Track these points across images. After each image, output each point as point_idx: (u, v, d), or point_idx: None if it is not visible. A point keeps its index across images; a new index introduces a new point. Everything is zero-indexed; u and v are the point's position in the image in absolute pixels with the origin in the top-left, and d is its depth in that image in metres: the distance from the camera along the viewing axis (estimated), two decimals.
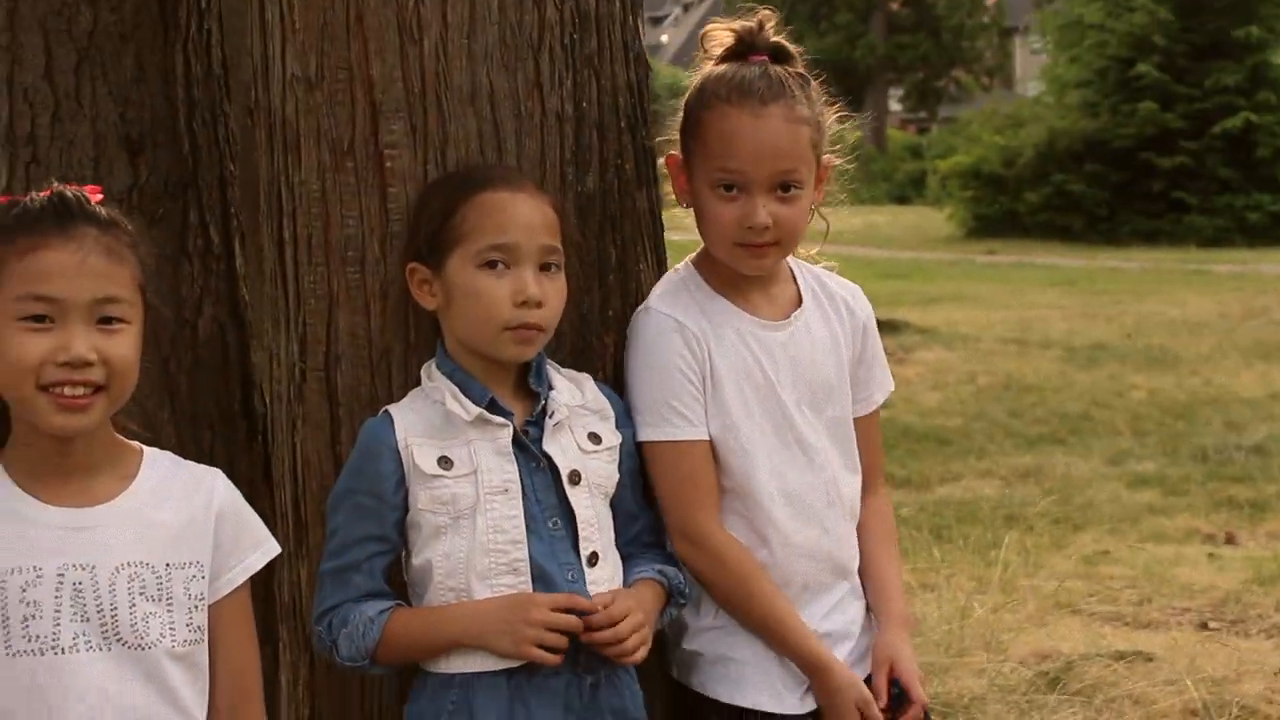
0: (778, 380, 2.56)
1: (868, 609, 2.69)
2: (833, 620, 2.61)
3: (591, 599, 2.34)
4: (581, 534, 2.38)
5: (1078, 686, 4.87)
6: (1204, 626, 5.82)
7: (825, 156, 2.61)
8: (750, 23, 2.58)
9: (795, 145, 2.51)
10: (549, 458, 2.38)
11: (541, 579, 2.35)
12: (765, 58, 2.56)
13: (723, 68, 2.56)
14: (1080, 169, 29.32)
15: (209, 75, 3.10)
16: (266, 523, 2.35)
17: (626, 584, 2.43)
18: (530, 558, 2.34)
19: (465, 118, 2.52)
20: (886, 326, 13.82)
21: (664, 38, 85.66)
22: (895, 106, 60.48)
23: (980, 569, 6.61)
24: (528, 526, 2.35)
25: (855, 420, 2.70)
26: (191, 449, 2.41)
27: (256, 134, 2.69)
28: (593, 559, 2.38)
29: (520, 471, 2.37)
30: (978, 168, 30.92)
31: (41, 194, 2.14)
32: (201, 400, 3.11)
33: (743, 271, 2.57)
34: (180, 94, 3.07)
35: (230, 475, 2.83)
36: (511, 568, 2.34)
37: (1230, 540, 7.44)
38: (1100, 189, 29.19)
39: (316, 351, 2.58)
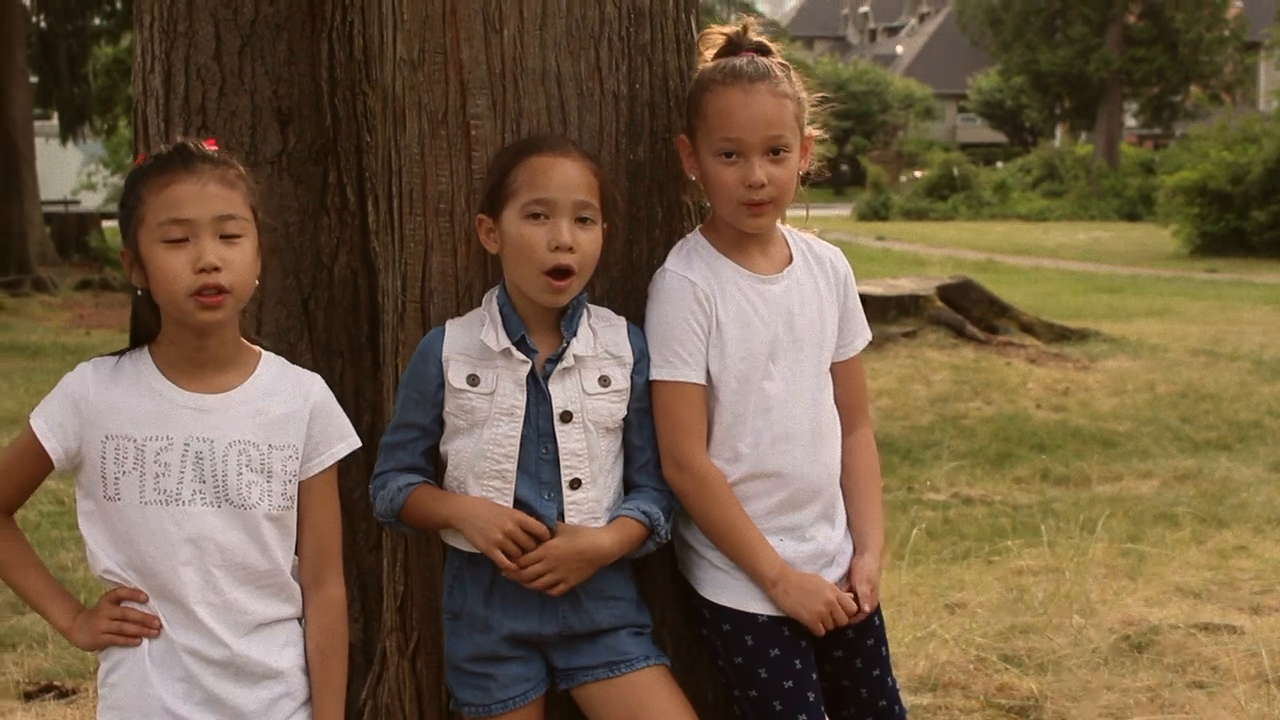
0: (774, 327, 3.03)
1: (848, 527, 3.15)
2: (813, 533, 3.07)
3: (557, 525, 2.87)
4: (564, 463, 2.89)
5: (1158, 650, 5.19)
6: None
7: (808, 130, 3.07)
8: (738, 27, 3.10)
9: (781, 115, 2.98)
10: (550, 395, 2.90)
11: (524, 491, 2.88)
12: (751, 53, 3.05)
13: (717, 61, 3.06)
14: None
15: (350, 59, 3.68)
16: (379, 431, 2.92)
17: (612, 517, 2.93)
18: (518, 471, 2.87)
19: (537, 95, 3.04)
20: (1076, 335, 14.00)
21: (899, 49, 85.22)
22: (1131, 122, 59.43)
23: (1114, 557, 6.90)
24: (524, 446, 2.88)
25: (841, 364, 3.17)
26: (325, 375, 2.92)
27: (376, 108, 3.25)
28: (575, 484, 2.90)
29: (529, 400, 2.89)
30: (1204, 184, 30.33)
31: (168, 146, 2.73)
32: (335, 334, 3.69)
33: (744, 229, 3.03)
34: (324, 74, 3.67)
35: (356, 398, 3.44)
36: (500, 475, 2.89)
37: None
38: None
39: (414, 287, 3.13)
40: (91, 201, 42.94)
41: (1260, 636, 5.29)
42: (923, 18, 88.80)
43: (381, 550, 3.35)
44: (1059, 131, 60.59)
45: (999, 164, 56.47)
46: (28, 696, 5.25)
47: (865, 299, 11.92)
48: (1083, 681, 4.83)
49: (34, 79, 29.74)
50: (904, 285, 14.57)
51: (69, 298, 22.90)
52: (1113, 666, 5.03)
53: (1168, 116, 54.50)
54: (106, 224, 36.37)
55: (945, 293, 14.26)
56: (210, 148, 2.72)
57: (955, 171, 48.04)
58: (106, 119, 35.71)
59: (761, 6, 63.99)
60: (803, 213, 3.21)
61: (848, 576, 3.08)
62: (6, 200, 25.88)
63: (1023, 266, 27.19)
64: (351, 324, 3.72)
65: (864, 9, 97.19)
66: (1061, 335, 14.40)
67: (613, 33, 3.07)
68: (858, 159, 57.92)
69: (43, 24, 31.66)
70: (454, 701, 3.02)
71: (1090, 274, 25.65)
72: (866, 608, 3.05)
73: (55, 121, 34.63)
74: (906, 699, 3.74)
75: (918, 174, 52.62)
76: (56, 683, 5.35)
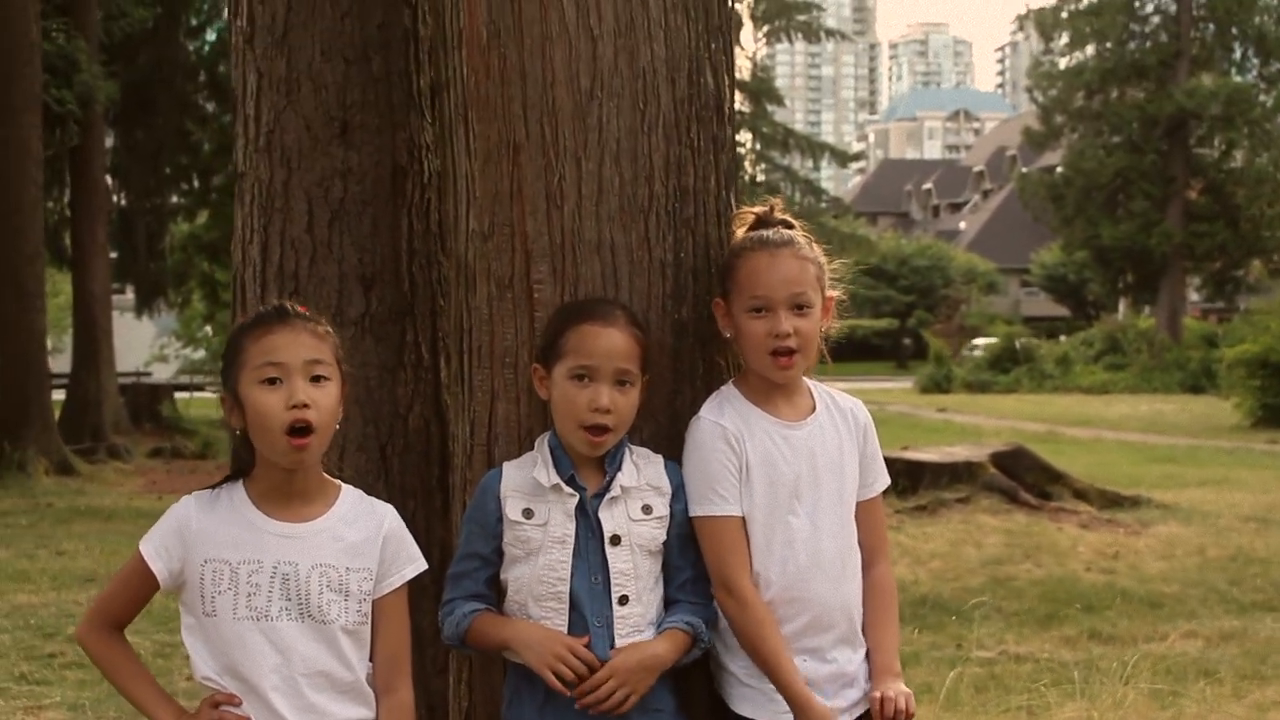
0: (797, 467, 3.40)
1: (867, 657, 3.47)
2: (834, 655, 3.40)
3: (611, 650, 3.21)
4: (614, 581, 3.26)
5: None
6: None
7: (829, 292, 3.47)
8: (765, 207, 3.54)
9: (803, 275, 3.39)
10: (600, 522, 3.27)
11: (578, 614, 3.24)
12: (777, 228, 3.48)
13: (747, 233, 3.50)
14: None
15: (426, 231, 4.15)
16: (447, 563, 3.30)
17: (660, 629, 3.29)
18: (571, 593, 3.23)
19: (592, 262, 3.46)
20: (1128, 502, 14.19)
21: (962, 224, 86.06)
22: (1194, 295, 59.62)
23: (1153, 709, 7.11)
24: (576, 572, 3.24)
25: (862, 504, 3.53)
26: (399, 513, 3.29)
27: (450, 274, 3.67)
28: (623, 600, 3.26)
29: (578, 529, 3.27)
30: (1266, 357, 30.49)
31: (267, 305, 3.16)
32: (409, 477, 4.10)
33: (774, 380, 3.42)
34: (404, 245, 4.13)
35: (427, 535, 3.82)
36: (556, 596, 3.25)
37: None
38: None
39: (481, 431, 3.53)
40: (163, 373, 43.84)
41: None
42: (986, 194, 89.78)
43: (448, 673, 3.69)
44: (1122, 305, 60.89)
45: (1062, 338, 56.73)
46: None
47: (920, 465, 12.35)
48: None
49: (113, 254, 30.67)
50: (959, 453, 14.86)
51: (141, 464, 23.47)
52: None
53: (1231, 290, 54.75)
54: (179, 395, 37.18)
55: (999, 460, 14.52)
56: (302, 311, 3.14)
57: (1018, 344, 48.36)
58: (180, 293, 36.64)
59: (826, 184, 65.02)
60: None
61: (879, 699, 3.38)
62: (85, 371, 26.64)
63: (1083, 438, 27.34)
64: (424, 468, 4.13)
65: (927, 186, 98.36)
66: (1114, 502, 14.60)
67: (660, 208, 3.50)
68: (920, 333, 58.38)
69: (123, 201, 32.72)
70: None
71: (1150, 445, 25.78)
72: (911, 708, 3.36)
73: (130, 295, 35.58)
74: None
75: (978, 343, 52.89)
76: None
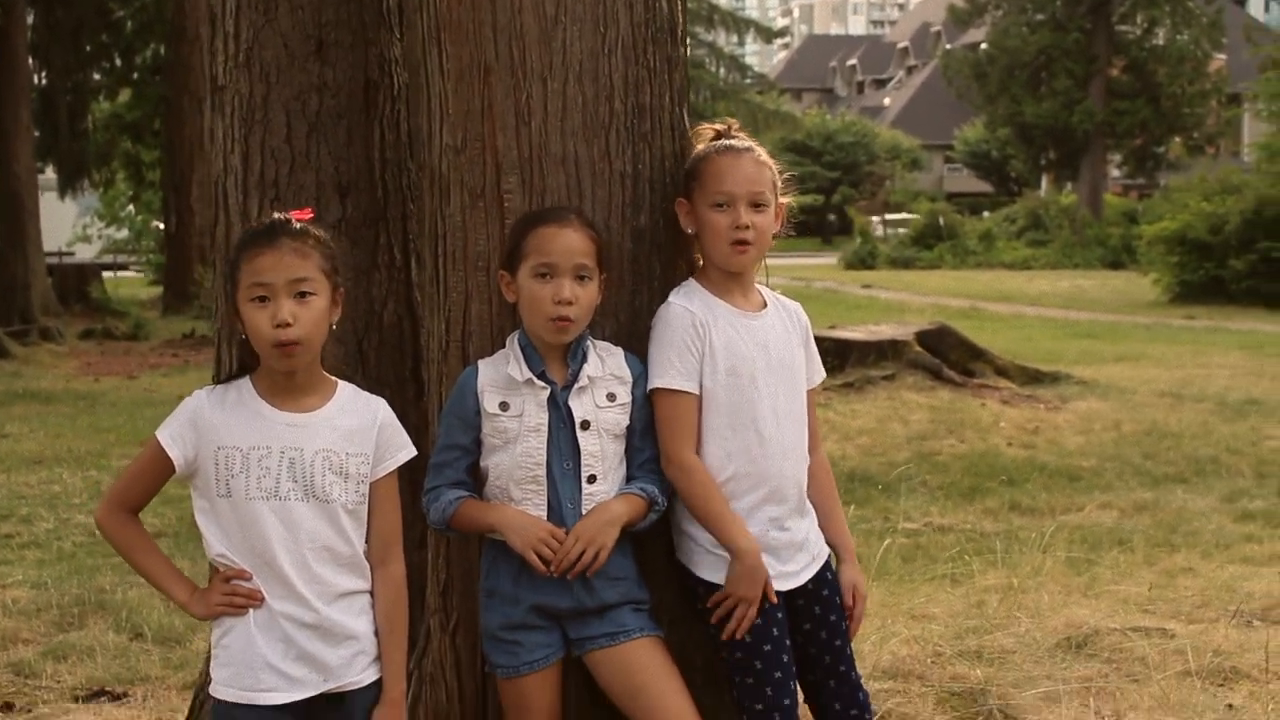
0: (755, 354, 3.76)
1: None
2: (789, 524, 3.79)
3: (576, 523, 3.56)
4: (584, 462, 3.61)
5: (1095, 648, 5.85)
6: (1247, 624, 6.39)
7: (781, 199, 3.82)
8: (724, 125, 3.90)
9: (761, 177, 3.76)
10: (570, 411, 3.61)
11: (554, 496, 3.59)
12: (738, 137, 3.84)
13: (713, 142, 3.84)
14: None
15: (398, 142, 4.44)
16: (422, 449, 3.64)
17: (616, 495, 3.63)
18: (548, 476, 3.58)
19: (558, 174, 3.77)
20: (1048, 378, 14.68)
21: (886, 100, 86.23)
22: (1115, 173, 60.23)
23: (1069, 575, 7.54)
24: (550, 458, 3.59)
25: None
26: None
27: (423, 183, 3.97)
28: (591, 479, 3.61)
29: (550, 419, 3.60)
30: (1183, 234, 30.88)
31: (257, 222, 3.47)
32: (384, 369, 4.42)
33: (731, 268, 3.77)
34: (377, 155, 4.42)
35: (402, 422, 4.13)
36: (534, 480, 3.59)
37: None
38: None
39: (456, 329, 3.85)
40: (87, 253, 43.55)
41: (1190, 639, 5.88)
42: (910, 70, 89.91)
43: (425, 548, 4.04)
44: (1044, 181, 61.44)
45: (985, 214, 57.28)
46: (79, 700, 5.81)
47: (847, 344, 12.76)
48: (1025, 672, 5.49)
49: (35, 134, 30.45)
50: (885, 331, 15.29)
51: (74, 346, 23.58)
52: (1054, 660, 5.67)
53: (1151, 168, 55.29)
54: (109, 275, 37.01)
55: (924, 338, 14.96)
56: (303, 218, 3.44)
57: (941, 221, 48.80)
58: (103, 173, 36.37)
59: (750, 59, 64.88)
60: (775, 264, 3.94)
61: (836, 586, 3.86)
62: (12, 252, 26.59)
63: (1004, 314, 27.83)
64: (398, 360, 4.46)
65: (852, 62, 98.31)
66: (1034, 378, 15.09)
67: (620, 124, 3.82)
68: (845, 209, 58.73)
69: (43, 80, 32.37)
70: (489, 665, 3.71)
71: (1070, 321, 26.29)
72: (858, 610, 3.90)
73: (53, 175, 35.33)
74: (870, 686, 4.36)
75: (893, 218, 53.20)
76: (108, 688, 5.94)
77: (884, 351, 14.45)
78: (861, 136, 65.33)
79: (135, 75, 33.64)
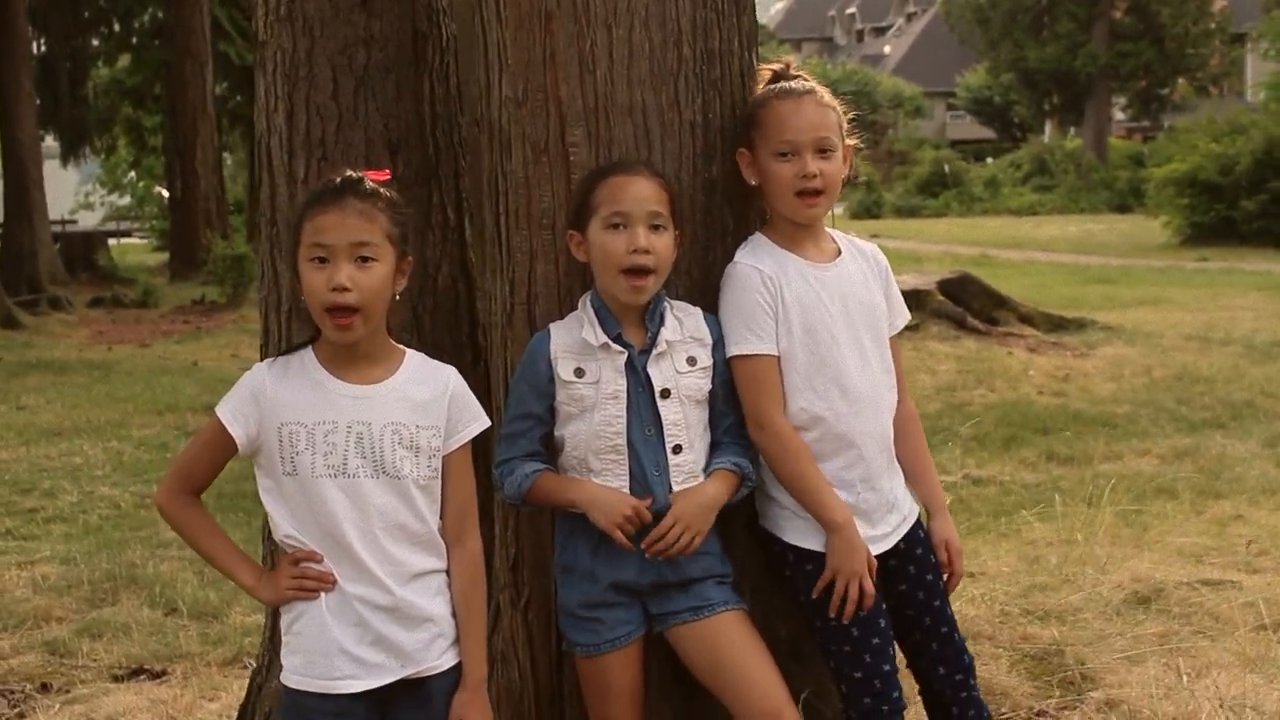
0: (832, 307, 3.57)
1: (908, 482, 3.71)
2: (880, 484, 3.60)
3: (670, 496, 3.39)
4: (667, 432, 3.42)
5: (1164, 603, 5.71)
6: None
7: (848, 141, 3.62)
8: (782, 64, 3.69)
9: (825, 121, 3.56)
10: (649, 377, 3.42)
11: (636, 463, 3.41)
12: (797, 78, 3.64)
13: (769, 85, 3.64)
14: None
15: (448, 96, 4.23)
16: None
17: (707, 471, 3.46)
18: (629, 445, 3.40)
19: (625, 125, 3.57)
20: (1073, 325, 14.52)
21: (886, 48, 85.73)
22: (1119, 115, 59.93)
23: (1119, 526, 7.40)
24: (630, 425, 3.40)
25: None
26: None
27: (481, 138, 3.78)
28: (676, 449, 3.43)
29: (629, 385, 3.42)
30: (1194, 175, 30.86)
31: (325, 181, 3.27)
32: (439, 334, 4.22)
33: (799, 220, 3.57)
34: (427, 110, 4.21)
35: None
36: (614, 449, 3.41)
37: None
38: None
39: (521, 291, 3.66)
40: (89, 220, 43.42)
41: (1258, 591, 5.77)
42: (910, 17, 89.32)
43: (491, 520, 3.87)
44: (1048, 127, 61.18)
45: (989, 160, 57.02)
46: (117, 679, 5.70)
47: None
48: (1098, 630, 5.34)
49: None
50: (906, 280, 15.09)
51: (84, 315, 23.41)
52: (1125, 617, 5.53)
53: (1156, 110, 55.13)
54: (112, 242, 36.86)
55: (945, 287, 14.81)
56: (378, 179, 3.25)
57: (946, 169, 48.60)
58: (105, 139, 36.19)
59: None
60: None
61: (929, 543, 3.67)
62: (18, 221, 26.37)
63: (1016, 260, 27.72)
64: (453, 324, 4.26)
65: (850, 10, 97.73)
66: (1059, 325, 14.95)
67: (689, 70, 3.61)
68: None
69: (42, 47, 32.14)
70: (568, 644, 3.54)
71: (1083, 266, 26.18)
72: (957, 567, 3.70)
73: (54, 142, 35.11)
74: None
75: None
76: (146, 666, 5.82)
77: (907, 302, 14.21)
78: (862, 85, 64.92)
79: (134, 40, 33.38)
